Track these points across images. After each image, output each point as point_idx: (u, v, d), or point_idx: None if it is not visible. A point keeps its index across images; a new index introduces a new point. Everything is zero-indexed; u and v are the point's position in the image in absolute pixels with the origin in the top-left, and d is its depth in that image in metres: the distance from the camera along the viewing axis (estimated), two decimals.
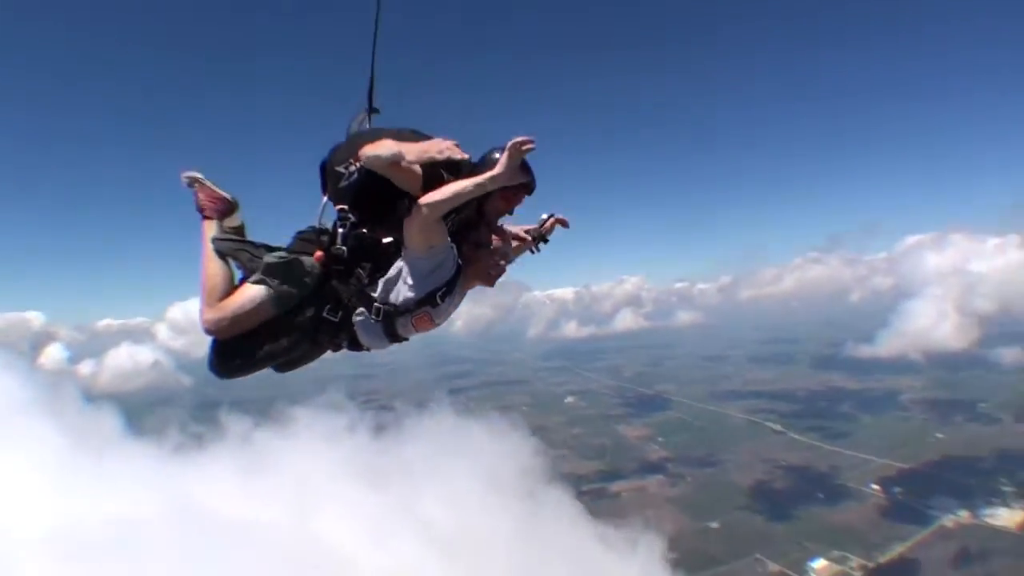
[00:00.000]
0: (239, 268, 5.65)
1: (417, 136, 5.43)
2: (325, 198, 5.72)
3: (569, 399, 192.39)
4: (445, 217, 5.25)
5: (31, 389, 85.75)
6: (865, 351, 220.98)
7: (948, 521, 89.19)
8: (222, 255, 5.61)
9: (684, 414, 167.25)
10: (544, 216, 6.32)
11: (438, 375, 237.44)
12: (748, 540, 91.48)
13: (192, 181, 5.90)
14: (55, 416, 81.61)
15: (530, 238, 6.26)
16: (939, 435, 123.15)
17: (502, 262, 5.72)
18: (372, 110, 6.14)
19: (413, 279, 5.40)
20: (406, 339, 5.75)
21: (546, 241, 6.37)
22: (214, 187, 5.90)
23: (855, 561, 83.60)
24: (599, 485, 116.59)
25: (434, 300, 5.42)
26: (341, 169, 5.43)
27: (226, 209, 5.93)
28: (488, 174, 4.99)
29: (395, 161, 5.07)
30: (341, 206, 5.47)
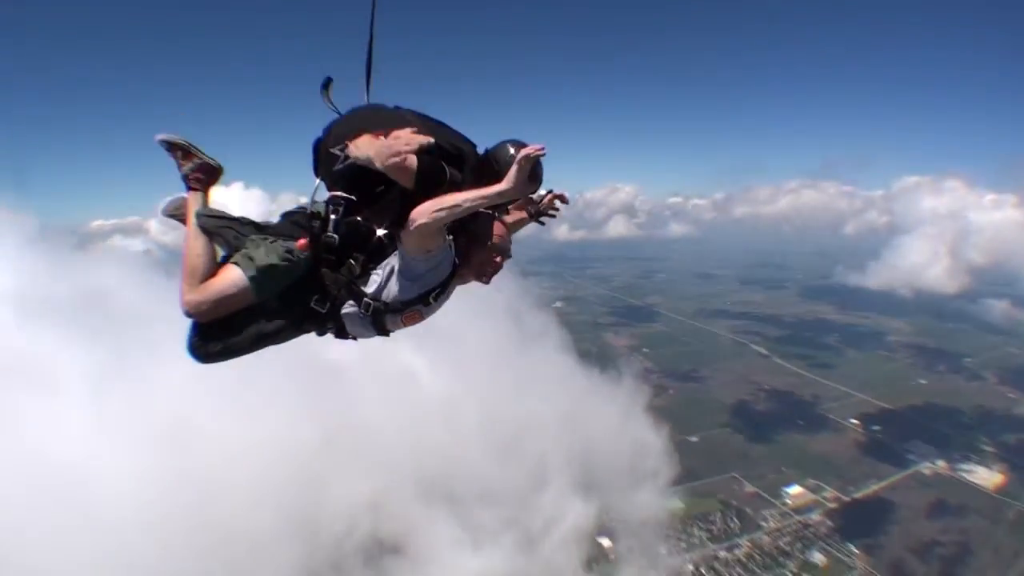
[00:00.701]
0: (223, 247, 5.21)
1: (416, 118, 5.14)
2: (318, 180, 5.25)
3: (558, 304, 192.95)
4: None
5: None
6: (855, 279, 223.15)
7: (925, 468, 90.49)
8: (207, 232, 5.16)
9: (671, 328, 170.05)
10: (542, 192, 5.76)
11: None
12: (727, 458, 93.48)
13: (172, 146, 5.31)
14: None
15: (528, 215, 6.10)
16: (922, 381, 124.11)
17: (499, 259, 5.40)
18: (369, 81, 5.62)
19: (408, 279, 5.14)
20: (392, 331, 5.45)
21: (550, 215, 6.20)
22: (200, 152, 5.34)
23: (830, 492, 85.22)
24: None
25: (427, 300, 5.24)
26: (336, 151, 5.05)
27: (213, 178, 5.45)
28: (496, 188, 4.70)
29: (371, 163, 4.83)
30: (335, 191, 5.10)
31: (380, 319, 5.17)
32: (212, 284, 4.86)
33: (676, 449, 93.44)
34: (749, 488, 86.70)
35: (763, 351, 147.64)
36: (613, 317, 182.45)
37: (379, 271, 5.17)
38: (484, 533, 71.13)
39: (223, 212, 5.28)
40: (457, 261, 5.25)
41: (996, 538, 75.83)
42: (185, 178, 5.27)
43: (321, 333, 5.37)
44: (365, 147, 4.80)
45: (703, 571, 71.53)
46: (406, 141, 4.76)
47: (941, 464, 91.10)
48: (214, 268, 4.98)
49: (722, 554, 74.09)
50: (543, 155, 4.58)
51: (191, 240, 5.05)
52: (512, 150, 4.91)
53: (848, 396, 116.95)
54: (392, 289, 5.11)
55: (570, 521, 75.79)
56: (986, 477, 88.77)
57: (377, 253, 5.22)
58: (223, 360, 5.10)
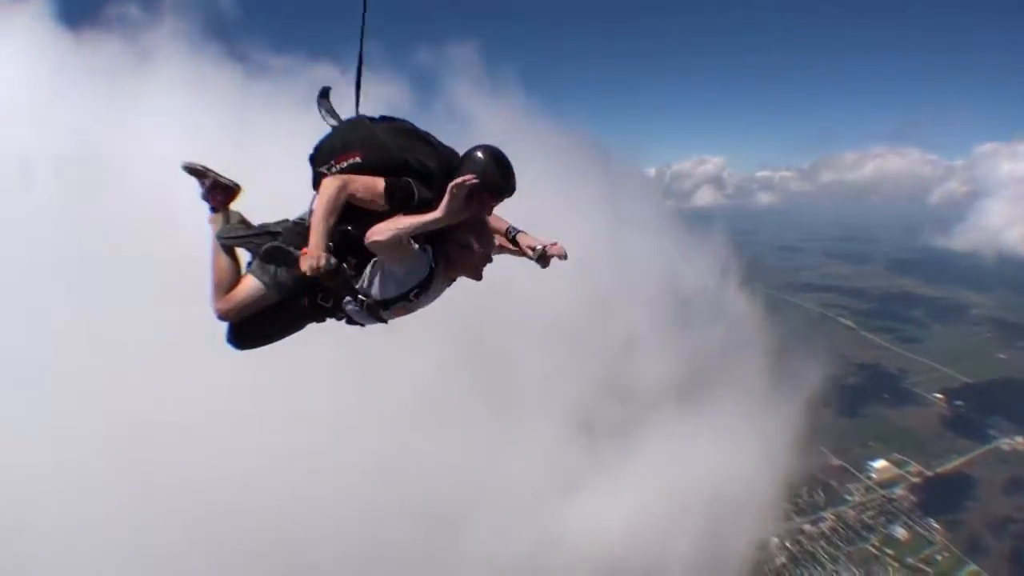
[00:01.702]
0: (249, 252, 5.95)
1: (390, 135, 5.68)
2: (314, 193, 5.84)
3: None
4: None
5: None
6: (940, 241, 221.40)
7: (1004, 444, 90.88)
8: (228, 249, 5.90)
9: (760, 301, 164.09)
10: (545, 247, 6.08)
11: None
12: (814, 431, 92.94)
13: (195, 171, 6.00)
14: None
15: (531, 252, 6.18)
16: (1001, 356, 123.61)
17: (483, 265, 5.98)
18: (359, 93, 6.12)
19: (389, 281, 5.74)
20: (400, 316, 6.15)
21: (546, 263, 6.19)
22: (218, 176, 6.04)
23: (914, 467, 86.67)
24: None
25: (407, 298, 5.84)
26: (324, 170, 5.71)
27: (231, 197, 6.15)
28: (430, 216, 5.26)
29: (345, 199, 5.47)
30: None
31: (375, 311, 5.91)
32: (235, 294, 5.78)
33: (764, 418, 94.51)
34: (835, 461, 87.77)
35: (850, 324, 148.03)
36: None
37: (366, 272, 5.79)
38: None
39: (241, 231, 5.97)
40: (433, 266, 5.79)
41: None
42: (206, 199, 6.05)
43: (339, 319, 6.17)
44: (329, 192, 5.44)
45: (788, 544, 72.95)
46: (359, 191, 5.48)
47: (1019, 440, 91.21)
48: (237, 279, 5.87)
49: (807, 527, 75.89)
50: (472, 182, 5.15)
51: (215, 256, 5.86)
52: (480, 154, 5.58)
53: (933, 370, 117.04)
54: (377, 288, 5.79)
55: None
56: None
57: (368, 254, 5.65)
58: (256, 347, 6.12)
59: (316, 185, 5.87)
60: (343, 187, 5.42)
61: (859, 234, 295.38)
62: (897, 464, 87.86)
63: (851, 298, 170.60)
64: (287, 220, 6.04)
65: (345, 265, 5.69)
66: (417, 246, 5.61)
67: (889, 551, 72.13)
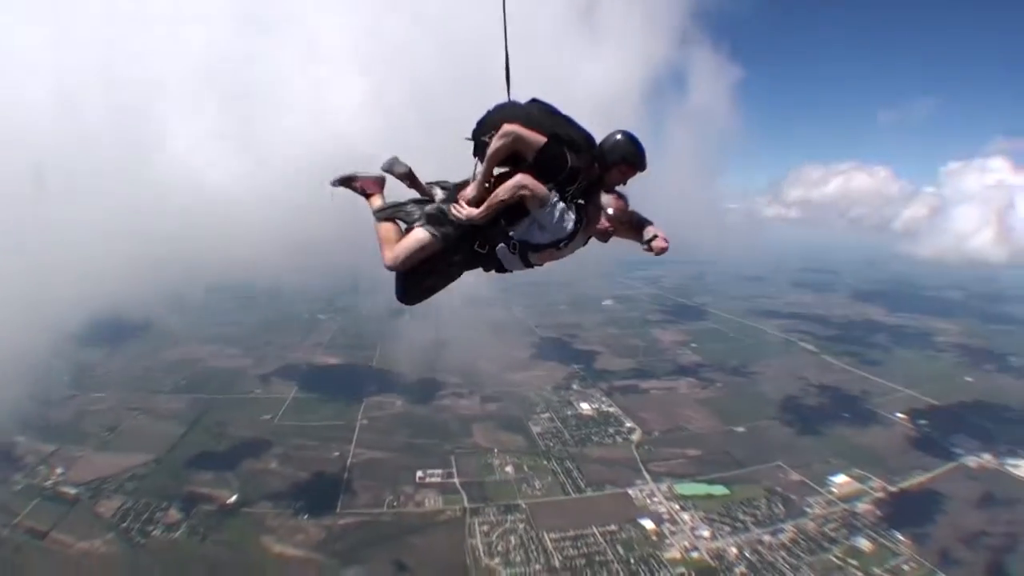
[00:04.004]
0: (403, 222, 7.44)
1: (542, 114, 7.02)
2: (476, 159, 7.28)
3: (607, 302, 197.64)
4: (563, 187, 6.98)
5: None
6: (907, 247, 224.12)
7: (971, 462, 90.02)
8: (386, 219, 7.43)
9: (720, 325, 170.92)
10: (653, 237, 7.68)
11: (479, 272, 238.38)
12: (773, 447, 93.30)
13: (344, 182, 7.80)
14: None
15: (643, 240, 7.80)
16: (968, 379, 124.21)
17: (609, 225, 7.66)
18: (509, 82, 7.27)
19: (539, 229, 7.03)
20: (539, 265, 7.46)
21: (652, 250, 7.76)
22: (366, 174, 7.78)
23: (876, 482, 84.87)
24: (630, 382, 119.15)
25: (557, 246, 7.15)
26: (486, 139, 6.99)
27: (381, 185, 7.85)
28: (476, 211, 7.07)
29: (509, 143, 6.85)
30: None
31: (524, 255, 7.19)
32: (403, 244, 7.14)
33: (723, 438, 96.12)
34: (795, 476, 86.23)
35: (812, 348, 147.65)
36: (662, 315, 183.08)
37: (524, 222, 7.01)
38: None
39: (392, 203, 7.57)
40: (579, 224, 7.11)
41: None
42: (362, 194, 7.76)
43: (487, 269, 7.48)
44: (505, 131, 6.82)
45: (747, 554, 71.42)
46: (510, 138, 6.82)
47: (987, 457, 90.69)
48: (399, 236, 7.27)
49: (766, 538, 73.90)
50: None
51: (377, 226, 7.42)
52: (619, 136, 7.10)
53: (896, 392, 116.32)
54: (532, 234, 7.08)
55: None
56: None
57: (517, 211, 7.00)
58: (420, 300, 7.62)
59: (477, 153, 7.24)
60: (516, 133, 6.73)
61: (824, 265, 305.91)
62: (859, 479, 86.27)
63: (814, 324, 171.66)
64: (434, 187, 7.72)
65: (502, 219, 7.08)
66: (564, 205, 7.01)
67: (853, 561, 70.21)
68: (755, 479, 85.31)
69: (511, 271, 7.46)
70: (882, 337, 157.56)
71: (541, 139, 6.77)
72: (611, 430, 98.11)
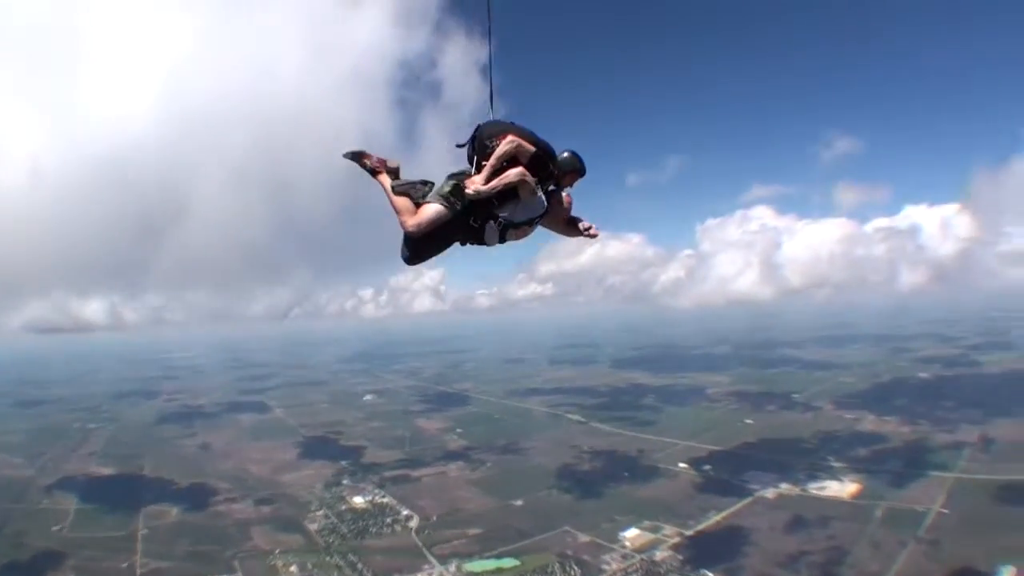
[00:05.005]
0: (414, 198, 8.61)
1: (521, 131, 8.53)
2: (476, 158, 8.73)
3: (368, 397, 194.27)
4: (541, 182, 8.54)
5: None
6: (669, 301, 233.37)
7: (768, 493, 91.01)
8: (401, 193, 8.60)
9: (483, 408, 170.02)
10: (588, 228, 9.18)
11: (238, 377, 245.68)
12: (556, 515, 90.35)
13: (355, 156, 9.04)
14: None
15: (581, 229, 9.18)
16: (749, 421, 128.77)
17: (564, 215, 9.03)
18: (493, 103, 9.02)
19: (526, 208, 8.44)
20: (513, 240, 8.81)
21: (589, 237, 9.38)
22: (368, 153, 9.08)
23: (669, 529, 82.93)
24: (401, 472, 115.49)
25: (531, 223, 8.57)
26: (487, 143, 8.45)
27: (388, 167, 8.92)
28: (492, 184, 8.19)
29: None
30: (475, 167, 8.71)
31: (504, 231, 8.51)
32: (422, 214, 8.26)
33: (502, 513, 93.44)
34: (584, 538, 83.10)
35: (579, 418, 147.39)
36: (424, 404, 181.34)
37: (509, 205, 8.43)
38: None
39: (406, 181, 8.79)
40: (545, 209, 8.67)
41: (871, 535, 76.88)
42: (373, 171, 8.94)
43: (472, 242, 8.70)
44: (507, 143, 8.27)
45: None
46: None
47: (785, 487, 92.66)
48: (414, 208, 8.44)
49: None
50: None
51: (395, 199, 8.53)
52: (567, 153, 8.83)
53: (674, 445, 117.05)
54: (514, 214, 8.44)
55: None
56: (839, 489, 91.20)
57: (503, 196, 8.36)
58: (423, 262, 8.83)
59: (476, 152, 8.76)
60: (519, 142, 8.25)
61: (583, 339, 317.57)
62: (651, 530, 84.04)
63: (579, 396, 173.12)
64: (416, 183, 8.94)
65: (493, 201, 8.37)
66: (541, 195, 8.60)
67: None
68: (544, 547, 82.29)
69: (489, 244, 8.58)
70: (651, 399, 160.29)
71: (531, 148, 8.41)
72: (388, 520, 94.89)
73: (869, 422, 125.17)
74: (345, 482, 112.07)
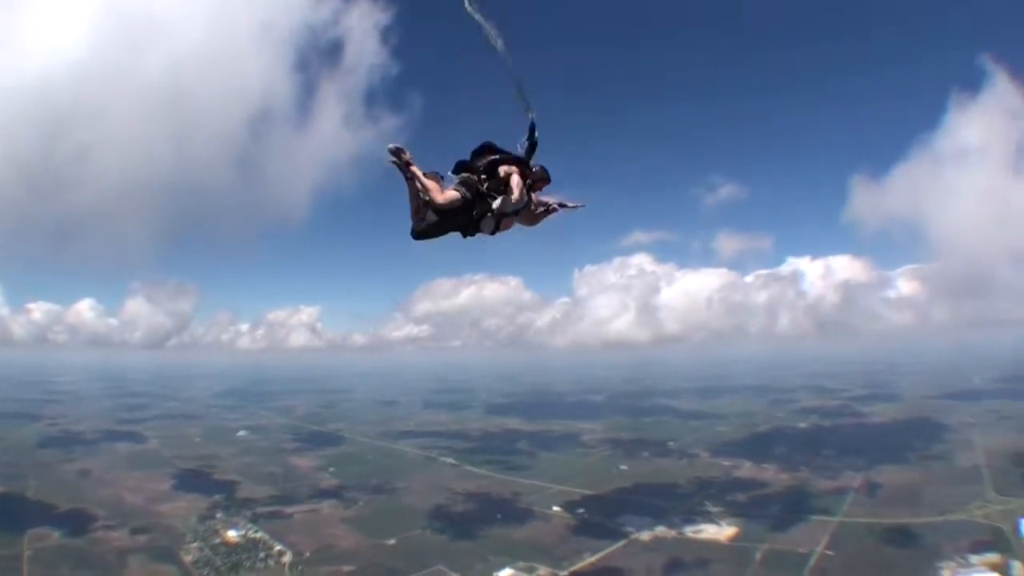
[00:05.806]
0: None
1: (505, 153, 10.32)
2: (478, 163, 10.24)
3: (241, 433, 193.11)
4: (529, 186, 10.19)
5: None
6: (546, 340, 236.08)
7: (644, 535, 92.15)
8: (432, 177, 9.91)
9: (357, 448, 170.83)
10: (559, 202, 11.02)
11: (117, 405, 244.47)
12: (429, 555, 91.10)
13: (398, 151, 10.07)
14: None
15: (566, 204, 11.07)
16: (623, 467, 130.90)
17: (538, 210, 10.63)
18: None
19: (508, 204, 9.91)
20: (504, 230, 10.35)
21: (560, 208, 11.09)
22: (400, 149, 10.18)
23: (544, 570, 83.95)
24: (273, 508, 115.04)
25: (516, 214, 10.16)
26: (478, 164, 10.10)
27: (410, 161, 10.07)
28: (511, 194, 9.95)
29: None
30: (480, 174, 10.07)
31: (498, 222, 10.08)
32: (448, 194, 9.74)
33: (374, 551, 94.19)
34: None
35: (452, 461, 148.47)
36: (297, 442, 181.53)
37: (499, 200, 9.95)
38: None
39: (433, 173, 10.09)
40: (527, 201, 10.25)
41: None
42: (405, 164, 10.05)
43: (464, 234, 10.31)
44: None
45: None
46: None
47: (660, 529, 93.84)
48: (442, 189, 9.88)
49: None
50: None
51: (427, 181, 9.78)
52: (539, 166, 10.46)
53: (547, 488, 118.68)
54: (506, 208, 9.97)
55: None
56: (716, 532, 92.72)
57: (497, 193, 9.98)
58: (428, 238, 10.17)
59: (468, 166, 10.29)
60: (517, 177, 9.92)
61: (457, 384, 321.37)
62: (525, 571, 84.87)
63: (452, 439, 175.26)
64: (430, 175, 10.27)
65: (489, 198, 10.00)
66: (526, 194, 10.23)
67: None
68: None
69: (486, 233, 10.30)
70: (524, 444, 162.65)
71: (518, 171, 10.08)
72: (262, 554, 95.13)
73: (747, 469, 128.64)
74: (219, 515, 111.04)
